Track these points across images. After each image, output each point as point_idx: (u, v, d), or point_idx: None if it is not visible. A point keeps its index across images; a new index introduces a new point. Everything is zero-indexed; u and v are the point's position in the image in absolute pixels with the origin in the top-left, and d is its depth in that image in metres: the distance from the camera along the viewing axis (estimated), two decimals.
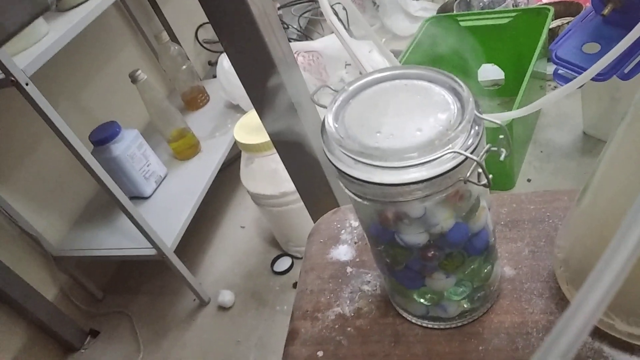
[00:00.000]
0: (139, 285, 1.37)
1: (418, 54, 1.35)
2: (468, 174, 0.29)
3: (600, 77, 1.02)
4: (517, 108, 1.07)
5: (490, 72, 1.44)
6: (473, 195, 0.32)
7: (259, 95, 0.52)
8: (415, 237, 0.33)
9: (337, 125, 0.31)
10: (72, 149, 0.95)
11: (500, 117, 0.43)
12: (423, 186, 0.29)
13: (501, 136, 0.30)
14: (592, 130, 1.20)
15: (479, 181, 0.29)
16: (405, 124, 0.30)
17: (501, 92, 1.44)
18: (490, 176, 0.29)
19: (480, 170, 0.28)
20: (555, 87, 1.38)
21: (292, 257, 1.25)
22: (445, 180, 0.29)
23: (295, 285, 1.19)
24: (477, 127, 0.29)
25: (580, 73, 0.96)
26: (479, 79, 1.46)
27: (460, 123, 0.29)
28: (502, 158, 0.30)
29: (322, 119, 0.33)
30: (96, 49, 1.44)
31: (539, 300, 0.38)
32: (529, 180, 1.15)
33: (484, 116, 0.30)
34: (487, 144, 0.31)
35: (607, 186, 0.31)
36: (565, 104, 1.29)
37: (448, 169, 0.28)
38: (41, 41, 0.96)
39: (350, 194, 0.33)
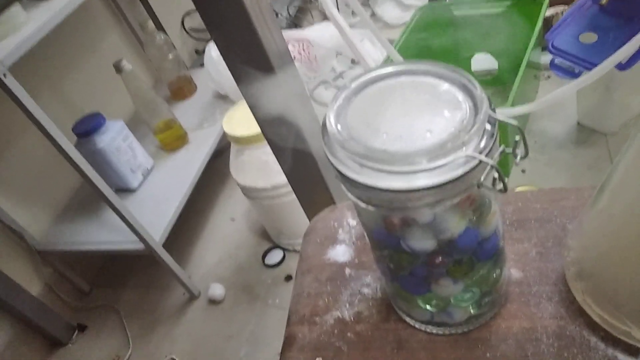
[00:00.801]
0: (128, 279, 1.35)
1: (410, 43, 1.33)
2: (482, 179, 0.27)
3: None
4: (513, 98, 1.06)
5: (483, 61, 1.42)
6: (485, 200, 0.30)
7: (251, 89, 0.49)
8: (422, 243, 0.31)
9: (339, 126, 0.29)
10: (53, 142, 0.91)
11: (512, 113, 0.41)
12: (434, 192, 0.27)
13: (517, 137, 0.28)
14: (586, 120, 1.19)
15: (493, 186, 0.27)
16: (414, 125, 0.28)
17: (494, 81, 1.42)
18: (506, 180, 0.27)
19: (496, 174, 0.26)
20: (549, 76, 1.37)
21: (284, 249, 1.23)
22: (458, 185, 0.27)
23: (287, 278, 1.18)
24: (491, 128, 0.27)
25: (577, 63, 0.95)
26: (472, 68, 1.44)
27: (474, 124, 0.27)
28: (517, 160, 0.28)
29: (322, 118, 0.31)
30: (79, 38, 1.40)
31: (548, 304, 0.36)
32: (523, 172, 1.14)
33: (499, 116, 0.28)
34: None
35: (627, 189, 0.29)
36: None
37: (461, 173, 0.26)
38: (20, 31, 0.92)
39: (354, 198, 0.31)
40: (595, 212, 0.32)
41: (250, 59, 0.47)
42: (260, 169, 1.06)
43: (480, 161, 0.26)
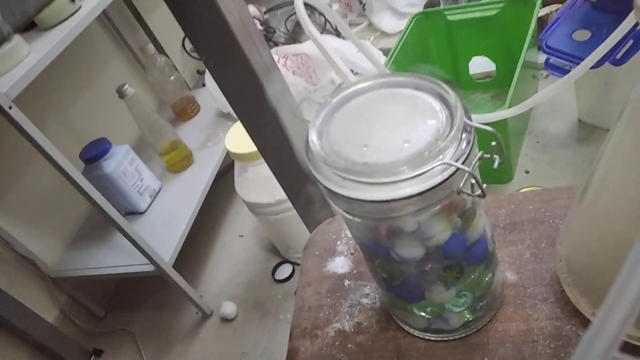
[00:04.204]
0: (141, 301, 1.36)
1: (407, 51, 1.34)
2: (461, 185, 0.27)
3: (593, 64, 1.00)
4: (510, 100, 1.06)
5: (481, 65, 1.43)
6: (468, 205, 0.31)
7: (244, 109, 0.50)
8: (410, 251, 0.31)
9: (321, 142, 0.30)
10: (60, 170, 0.93)
11: (492, 118, 0.42)
12: (415, 200, 0.27)
13: (493, 143, 0.28)
14: (587, 117, 1.19)
15: (472, 192, 0.28)
16: (393, 136, 0.29)
17: (493, 84, 1.43)
18: (485, 185, 0.28)
19: (473, 180, 0.27)
20: (548, 75, 1.37)
21: (293, 264, 1.24)
22: (438, 192, 0.27)
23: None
24: (467, 135, 0.28)
25: (571, 61, 0.95)
26: (470, 72, 1.45)
27: (449, 132, 0.27)
28: (495, 165, 0.29)
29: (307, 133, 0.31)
30: (82, 66, 1.43)
31: (544, 306, 0.37)
32: (527, 172, 1.14)
33: (474, 122, 0.28)
34: (479, 150, 0.29)
35: (608, 186, 0.29)
36: (558, 92, 1.28)
37: (439, 181, 0.27)
38: (22, 63, 0.94)
39: (341, 211, 0.31)
40: (581, 211, 0.32)
41: (240, 78, 0.48)
42: (264, 184, 1.07)
43: (458, 168, 0.27)
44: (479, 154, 0.29)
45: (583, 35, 0.98)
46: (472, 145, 0.28)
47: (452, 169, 0.27)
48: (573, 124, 1.20)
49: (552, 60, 0.98)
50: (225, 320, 1.20)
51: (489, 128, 0.28)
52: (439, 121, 0.29)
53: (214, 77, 0.49)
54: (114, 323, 1.34)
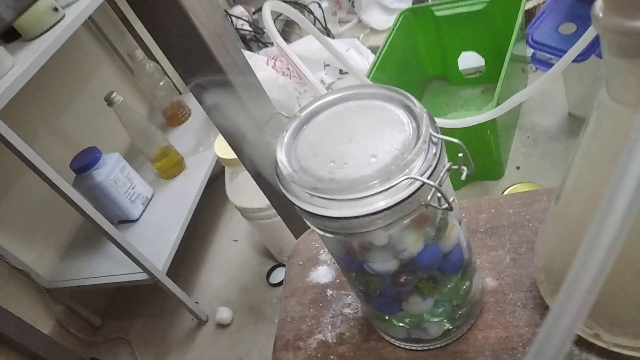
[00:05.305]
0: (137, 309, 1.36)
1: (396, 48, 1.34)
2: (429, 199, 0.27)
3: (579, 57, 1.00)
4: (498, 95, 1.06)
5: (470, 60, 1.42)
6: (440, 216, 0.31)
7: (221, 119, 0.50)
8: (384, 264, 0.31)
9: (288, 159, 0.29)
10: (49, 182, 0.93)
11: (465, 123, 0.41)
12: (383, 215, 0.27)
13: (460, 154, 0.28)
14: (577, 110, 1.19)
15: (440, 205, 0.27)
16: (360, 151, 0.29)
17: (483, 79, 1.42)
18: (452, 198, 0.28)
19: (439, 194, 0.27)
20: (537, 69, 1.37)
21: None
22: (406, 206, 0.27)
23: None
24: (434, 147, 0.28)
25: (558, 55, 0.95)
26: (460, 67, 1.44)
27: (415, 145, 0.27)
28: (463, 177, 0.28)
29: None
30: (70, 73, 1.42)
31: (523, 312, 0.36)
32: (518, 168, 1.14)
33: (440, 135, 0.28)
34: (450, 160, 0.29)
35: (580, 188, 0.29)
36: (547, 86, 1.27)
37: (406, 196, 0.26)
38: (7, 75, 0.94)
39: (312, 226, 0.31)
40: (556, 213, 0.32)
41: (215, 88, 0.48)
42: (254, 189, 1.05)
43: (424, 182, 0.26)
44: (447, 165, 0.28)
45: (569, 28, 0.97)
46: (440, 157, 0.27)
47: (419, 183, 0.26)
48: (563, 118, 1.19)
49: (539, 54, 0.97)
50: (221, 326, 1.20)
51: (455, 140, 0.28)
52: (406, 133, 0.28)
53: (190, 89, 0.49)
54: (110, 332, 1.33)
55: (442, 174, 0.27)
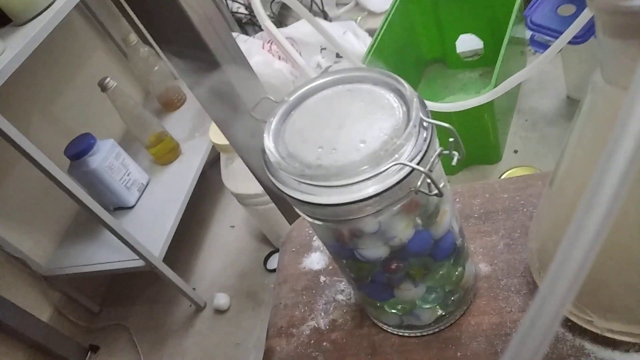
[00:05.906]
0: (135, 296, 1.36)
1: (393, 31, 1.32)
2: (418, 185, 0.26)
3: (578, 39, 0.99)
4: (496, 78, 1.04)
5: (469, 42, 1.40)
6: (430, 202, 0.30)
7: (212, 104, 0.49)
8: (374, 251, 0.31)
9: (276, 146, 0.29)
10: (43, 170, 0.92)
11: (458, 107, 0.41)
12: (372, 202, 0.26)
13: (451, 139, 0.27)
14: (576, 93, 1.17)
15: (430, 191, 0.27)
16: (349, 136, 0.28)
17: (482, 62, 1.41)
18: (442, 184, 0.27)
19: (429, 180, 0.26)
20: (536, 51, 1.35)
21: None
22: (395, 193, 0.27)
23: None
24: (424, 132, 0.27)
25: (556, 37, 0.93)
26: (458, 50, 1.42)
27: (405, 129, 0.26)
28: (454, 162, 0.28)
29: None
30: (63, 58, 1.40)
31: (517, 298, 0.36)
32: (515, 152, 1.13)
33: (430, 119, 0.27)
34: (443, 144, 0.28)
35: (574, 172, 0.29)
36: (546, 69, 1.26)
37: (395, 182, 0.26)
38: None
39: (301, 213, 0.30)
40: (549, 197, 0.31)
41: (205, 72, 0.47)
42: (250, 175, 1.05)
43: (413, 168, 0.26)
44: (438, 150, 0.28)
45: (568, 10, 0.96)
46: (430, 142, 0.27)
47: (409, 169, 0.26)
48: (562, 101, 1.18)
49: (537, 36, 0.96)
50: (218, 311, 1.20)
51: (445, 124, 0.27)
52: (396, 118, 0.28)
53: (179, 73, 0.48)
54: (109, 318, 1.34)
55: (432, 159, 0.27)
